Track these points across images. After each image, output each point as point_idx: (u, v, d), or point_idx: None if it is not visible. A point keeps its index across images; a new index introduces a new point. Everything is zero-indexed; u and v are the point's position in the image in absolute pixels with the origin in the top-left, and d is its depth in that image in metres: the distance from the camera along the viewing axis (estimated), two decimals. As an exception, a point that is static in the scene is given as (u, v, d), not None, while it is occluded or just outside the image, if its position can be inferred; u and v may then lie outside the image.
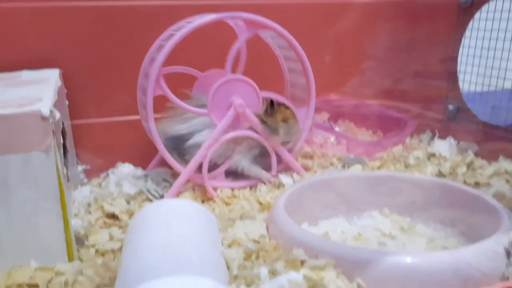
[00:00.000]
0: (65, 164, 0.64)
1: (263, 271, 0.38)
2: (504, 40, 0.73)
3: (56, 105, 0.52)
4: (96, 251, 0.53)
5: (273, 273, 0.40)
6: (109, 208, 0.62)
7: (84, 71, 0.77)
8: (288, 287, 0.33)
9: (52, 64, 0.74)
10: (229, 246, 0.50)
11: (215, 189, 0.69)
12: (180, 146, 0.70)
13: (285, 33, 0.69)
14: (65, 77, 0.73)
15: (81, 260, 0.51)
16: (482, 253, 0.43)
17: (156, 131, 0.66)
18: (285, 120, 0.72)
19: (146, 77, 0.68)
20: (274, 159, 0.72)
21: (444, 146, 0.79)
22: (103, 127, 0.80)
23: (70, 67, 0.75)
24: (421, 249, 0.54)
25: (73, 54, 0.76)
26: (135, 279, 0.37)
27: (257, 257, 0.46)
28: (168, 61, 0.65)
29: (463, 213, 0.58)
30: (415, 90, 0.94)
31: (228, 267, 0.43)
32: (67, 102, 0.74)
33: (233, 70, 0.71)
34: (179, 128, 0.70)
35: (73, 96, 0.75)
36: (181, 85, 0.72)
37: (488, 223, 0.52)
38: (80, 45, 0.76)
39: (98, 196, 0.68)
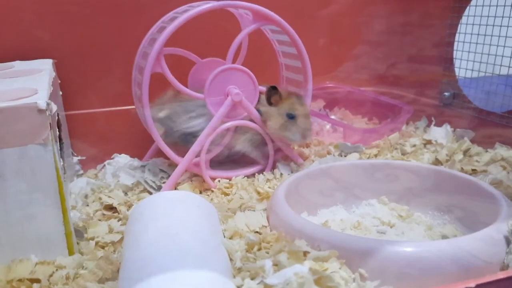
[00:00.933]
0: (61, 156, 0.63)
1: (268, 263, 0.38)
2: (500, 27, 0.73)
3: (51, 96, 0.51)
4: (96, 243, 0.53)
5: (276, 264, 0.40)
6: (107, 200, 0.62)
7: (78, 60, 0.76)
8: (294, 280, 0.33)
9: (45, 54, 0.72)
10: (231, 237, 0.50)
11: (213, 179, 0.69)
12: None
13: (289, 28, 0.69)
14: (58, 67, 0.72)
15: (81, 253, 0.51)
16: (483, 241, 0.43)
17: (152, 120, 0.65)
18: (291, 113, 0.69)
19: (144, 57, 0.67)
20: (271, 148, 0.71)
21: (440, 133, 0.79)
22: (98, 118, 0.79)
23: (63, 57, 0.74)
24: (420, 236, 0.54)
25: (67, 44, 0.75)
26: (139, 273, 0.37)
27: (259, 249, 0.46)
28: (166, 45, 0.64)
29: (460, 200, 0.58)
30: (410, 76, 0.94)
31: (231, 259, 0.43)
32: (61, 93, 0.73)
33: (233, 61, 0.71)
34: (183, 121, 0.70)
35: (67, 86, 0.74)
36: (178, 69, 0.70)
37: (485, 210, 0.53)
38: (73, 35, 0.75)
39: (95, 187, 0.67)
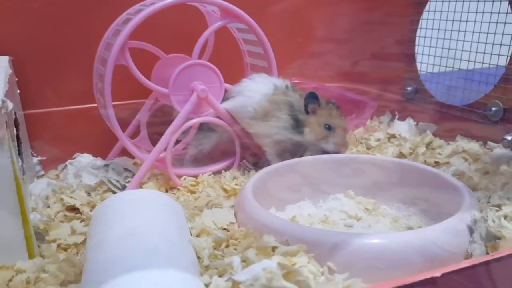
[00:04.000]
0: (20, 157, 0.61)
1: (236, 260, 0.37)
2: (460, 21, 0.74)
3: (8, 94, 0.49)
4: (58, 246, 0.51)
5: (245, 261, 0.39)
6: (69, 201, 0.60)
7: (36, 58, 0.73)
8: (263, 276, 0.33)
9: (1, 51, 0.69)
10: (198, 235, 0.49)
11: (179, 176, 0.68)
12: None
13: (256, 27, 0.69)
14: (15, 65, 0.70)
15: (42, 256, 0.49)
16: (447, 232, 0.44)
17: (115, 117, 0.64)
18: (329, 124, 0.67)
19: (107, 48, 0.65)
20: (238, 145, 0.71)
21: (403, 127, 0.80)
22: (58, 116, 0.76)
23: (20, 54, 0.71)
24: (386, 229, 0.55)
25: (24, 40, 0.72)
26: (102, 274, 0.36)
27: (227, 246, 0.46)
28: (131, 38, 0.63)
29: (424, 192, 0.59)
30: (374, 72, 0.95)
31: (198, 257, 0.42)
32: (18, 91, 0.70)
33: (199, 58, 0.70)
34: None
35: (25, 84, 0.72)
36: (142, 64, 0.68)
37: (448, 201, 0.54)
38: (31, 31, 0.73)
39: (57, 188, 0.65)
